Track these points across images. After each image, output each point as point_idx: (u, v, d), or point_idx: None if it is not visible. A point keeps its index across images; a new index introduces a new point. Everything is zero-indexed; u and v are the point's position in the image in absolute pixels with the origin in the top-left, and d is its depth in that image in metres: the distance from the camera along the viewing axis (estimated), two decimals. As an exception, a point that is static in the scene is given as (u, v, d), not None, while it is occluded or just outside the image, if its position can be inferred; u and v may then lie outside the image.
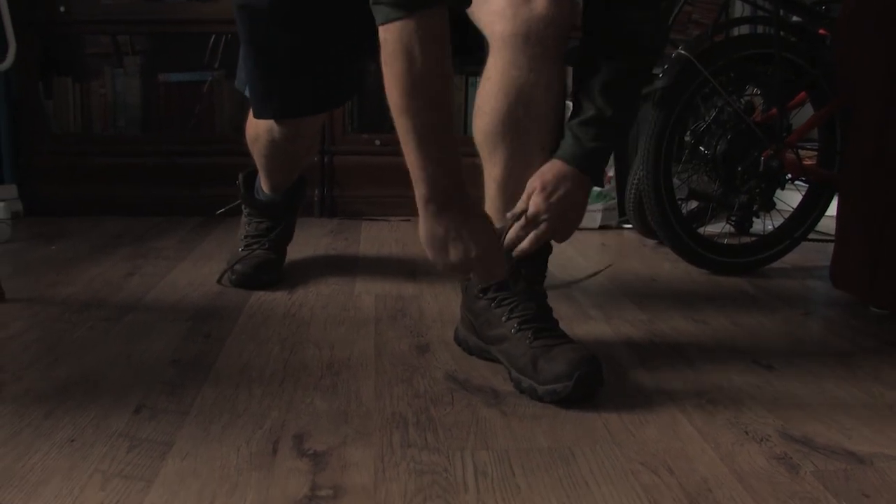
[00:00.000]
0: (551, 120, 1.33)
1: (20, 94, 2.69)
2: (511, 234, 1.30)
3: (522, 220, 1.29)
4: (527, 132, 1.31)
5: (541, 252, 1.37)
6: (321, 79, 1.66)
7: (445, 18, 1.13)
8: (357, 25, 1.59)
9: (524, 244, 1.30)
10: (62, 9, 2.66)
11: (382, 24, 1.12)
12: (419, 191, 1.20)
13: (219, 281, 1.85)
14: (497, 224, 1.32)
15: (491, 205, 1.36)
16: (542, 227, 1.29)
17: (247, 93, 1.73)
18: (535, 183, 1.30)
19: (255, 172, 1.93)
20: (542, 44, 1.29)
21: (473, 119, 1.36)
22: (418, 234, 1.24)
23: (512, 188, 1.32)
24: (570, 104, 1.38)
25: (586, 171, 1.31)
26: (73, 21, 2.69)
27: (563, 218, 1.31)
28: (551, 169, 1.30)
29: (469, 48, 1.44)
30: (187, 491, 0.96)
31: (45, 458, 1.03)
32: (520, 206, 1.30)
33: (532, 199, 1.29)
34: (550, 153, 1.34)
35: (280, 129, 1.71)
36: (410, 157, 1.17)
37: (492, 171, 1.34)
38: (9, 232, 2.26)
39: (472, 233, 1.21)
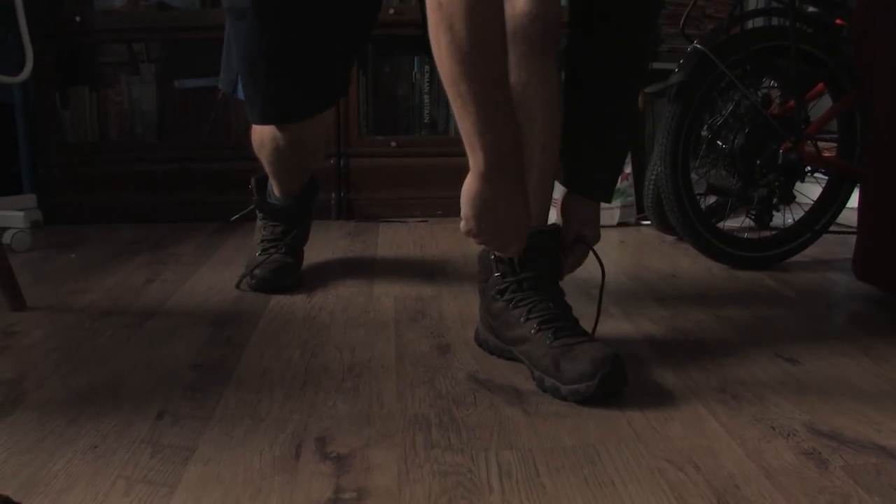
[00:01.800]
0: (549, 117, 1.33)
1: (37, 104, 2.71)
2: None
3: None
4: (525, 133, 1.29)
5: (553, 251, 1.36)
6: (308, 80, 1.66)
7: None
8: (340, 25, 1.60)
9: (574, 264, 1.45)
10: (78, 18, 2.67)
11: None
12: (477, 156, 1.16)
13: (238, 286, 1.85)
14: None
15: None
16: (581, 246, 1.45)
17: (237, 94, 1.74)
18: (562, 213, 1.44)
19: (266, 176, 1.94)
20: (528, 42, 1.29)
21: None
22: (463, 191, 1.21)
23: None
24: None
25: (601, 199, 1.48)
26: (89, 30, 2.71)
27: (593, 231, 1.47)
28: (572, 202, 1.44)
29: None
30: (210, 496, 0.96)
31: (69, 464, 1.03)
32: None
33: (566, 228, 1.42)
34: (552, 151, 1.34)
35: (283, 136, 1.71)
36: (467, 123, 1.14)
37: None
38: (28, 241, 2.28)
39: (515, 204, 1.22)
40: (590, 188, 1.44)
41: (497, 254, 1.35)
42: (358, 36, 1.68)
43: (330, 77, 1.71)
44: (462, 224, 1.24)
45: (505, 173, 1.18)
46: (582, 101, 1.39)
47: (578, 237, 1.44)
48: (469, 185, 1.20)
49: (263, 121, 1.71)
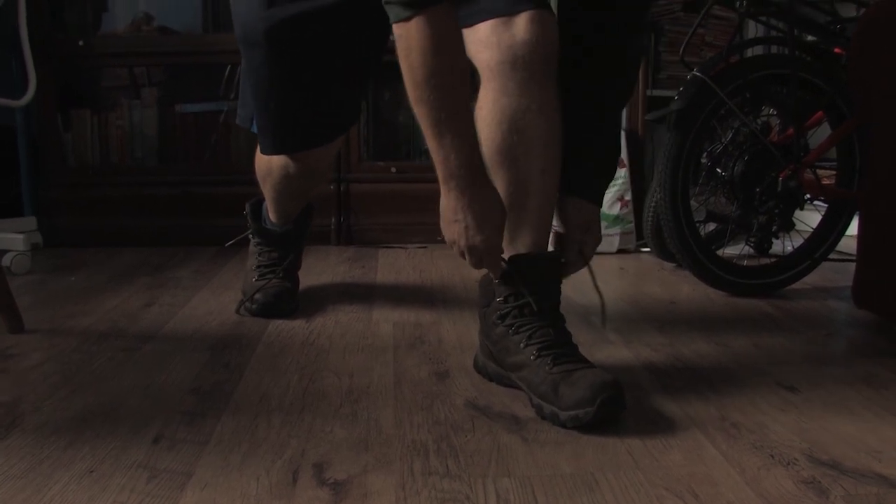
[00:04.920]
0: (549, 142, 1.34)
1: (39, 127, 2.72)
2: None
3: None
4: (523, 158, 1.32)
5: (554, 276, 1.36)
6: (319, 109, 1.66)
7: (454, 14, 1.18)
8: (353, 55, 1.61)
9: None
10: (81, 42, 2.69)
11: (395, 22, 1.17)
12: (439, 172, 1.25)
13: (237, 311, 1.85)
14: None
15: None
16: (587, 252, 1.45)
17: (253, 128, 1.74)
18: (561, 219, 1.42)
19: (261, 201, 1.93)
20: (529, 68, 1.30)
21: None
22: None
23: (514, 216, 1.33)
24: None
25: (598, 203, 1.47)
26: (92, 54, 2.73)
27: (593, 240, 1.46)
28: (572, 207, 1.43)
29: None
30: (207, 522, 0.95)
31: (65, 489, 1.02)
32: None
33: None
34: (550, 177, 1.34)
35: (295, 165, 1.71)
36: (428, 141, 1.23)
37: None
38: (28, 264, 2.27)
39: (479, 218, 1.25)
40: (592, 191, 1.46)
41: (496, 278, 1.35)
42: (368, 63, 1.69)
43: (342, 105, 1.71)
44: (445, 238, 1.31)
45: (464, 186, 1.24)
46: (575, 107, 1.41)
47: (580, 245, 1.44)
48: (441, 201, 1.28)
49: (275, 151, 1.70)
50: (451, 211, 1.26)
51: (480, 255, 1.29)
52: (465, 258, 1.31)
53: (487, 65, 1.31)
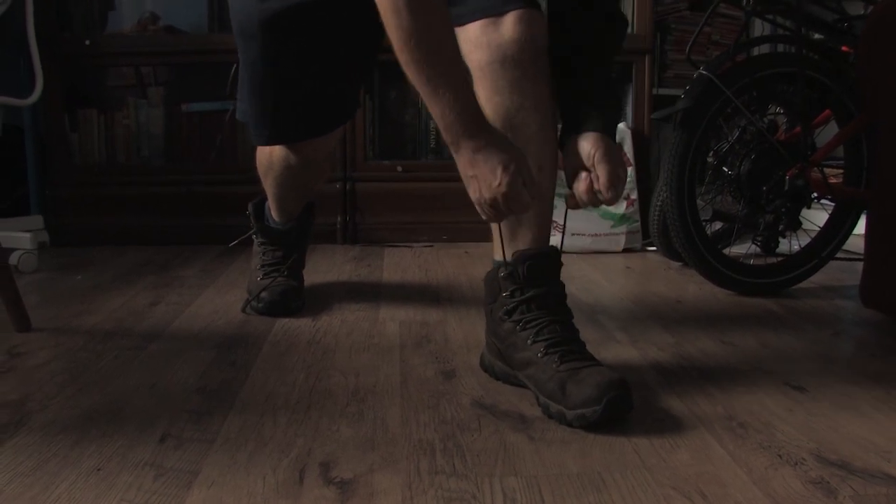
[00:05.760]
0: (544, 139, 1.34)
1: (46, 127, 2.73)
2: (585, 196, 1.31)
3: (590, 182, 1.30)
4: None
5: (555, 272, 1.36)
6: (317, 99, 1.66)
7: None
8: (350, 45, 1.61)
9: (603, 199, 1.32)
10: (87, 42, 2.70)
11: None
12: (443, 134, 1.21)
13: (243, 310, 1.85)
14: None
15: (493, 230, 1.36)
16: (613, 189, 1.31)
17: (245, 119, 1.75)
18: (589, 154, 1.30)
19: (263, 200, 1.94)
20: (520, 66, 1.30)
21: None
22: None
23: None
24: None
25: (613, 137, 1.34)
26: (99, 54, 2.73)
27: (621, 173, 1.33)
28: (597, 140, 1.31)
29: None
30: (214, 520, 0.95)
31: (72, 487, 1.02)
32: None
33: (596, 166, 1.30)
34: (549, 172, 1.34)
35: (295, 156, 1.71)
36: (426, 101, 1.19)
37: None
38: (35, 262, 2.28)
39: (489, 167, 1.19)
40: (593, 124, 1.34)
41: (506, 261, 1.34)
42: (366, 54, 1.69)
43: (339, 96, 1.71)
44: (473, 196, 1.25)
45: (453, 143, 1.20)
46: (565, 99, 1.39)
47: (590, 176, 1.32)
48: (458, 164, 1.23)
49: (271, 141, 1.71)
50: (462, 167, 1.22)
51: (506, 203, 1.22)
52: (491, 215, 1.25)
53: (478, 65, 1.31)
